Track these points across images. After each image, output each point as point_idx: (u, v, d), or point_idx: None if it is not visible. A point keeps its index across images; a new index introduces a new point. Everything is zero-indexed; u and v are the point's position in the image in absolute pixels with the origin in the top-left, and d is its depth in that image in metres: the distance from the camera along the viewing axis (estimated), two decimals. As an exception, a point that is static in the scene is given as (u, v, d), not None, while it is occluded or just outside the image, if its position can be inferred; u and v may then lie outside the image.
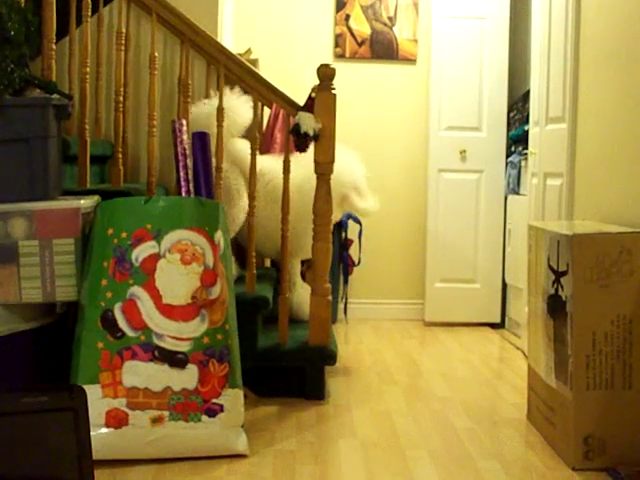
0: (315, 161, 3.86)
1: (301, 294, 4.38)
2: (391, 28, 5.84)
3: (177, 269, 3.05)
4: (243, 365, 3.29)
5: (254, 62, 4.87)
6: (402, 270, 5.93)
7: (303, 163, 4.12)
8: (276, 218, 4.15)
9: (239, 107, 4.13)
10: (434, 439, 3.38)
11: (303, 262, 4.73)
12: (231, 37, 5.41)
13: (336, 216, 4.24)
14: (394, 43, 5.85)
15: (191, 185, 3.57)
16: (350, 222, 5.57)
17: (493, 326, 5.73)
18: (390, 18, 5.84)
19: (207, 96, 4.25)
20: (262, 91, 4.05)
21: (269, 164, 4.34)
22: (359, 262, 5.67)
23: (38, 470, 2.44)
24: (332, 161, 3.83)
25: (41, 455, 2.44)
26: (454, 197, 5.70)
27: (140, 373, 2.99)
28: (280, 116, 4.66)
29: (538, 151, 4.69)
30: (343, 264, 5.60)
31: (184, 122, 3.63)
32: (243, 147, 4.19)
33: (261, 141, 4.54)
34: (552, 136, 4.42)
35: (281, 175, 3.97)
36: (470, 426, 3.56)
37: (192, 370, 3.03)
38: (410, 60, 5.88)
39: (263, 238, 4.33)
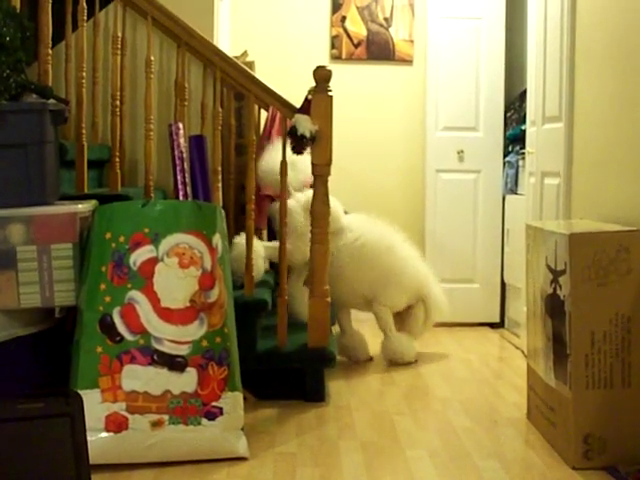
0: (312, 163, 3.86)
1: (395, 340, 4.67)
2: (387, 29, 5.84)
3: (175, 273, 3.05)
4: (242, 368, 3.29)
5: (250, 65, 4.87)
6: (401, 271, 5.91)
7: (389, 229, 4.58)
8: (362, 274, 4.52)
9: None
10: (434, 439, 3.38)
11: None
12: (227, 40, 5.41)
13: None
14: (390, 44, 5.86)
15: (189, 188, 3.57)
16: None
17: (492, 326, 5.72)
18: (386, 19, 5.84)
19: (204, 99, 4.25)
20: (258, 94, 4.05)
21: (358, 222, 4.58)
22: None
23: (35, 476, 2.44)
24: (329, 163, 3.84)
25: (38, 461, 2.44)
26: (452, 197, 5.69)
27: (139, 377, 2.99)
28: (277, 118, 4.66)
29: (535, 150, 4.69)
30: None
31: (180, 126, 3.63)
32: (336, 206, 4.32)
33: (258, 144, 4.54)
34: (549, 135, 4.42)
35: (369, 235, 4.26)
36: (470, 426, 3.56)
37: (191, 373, 3.03)
38: (406, 61, 5.88)
39: (347, 291, 4.60)
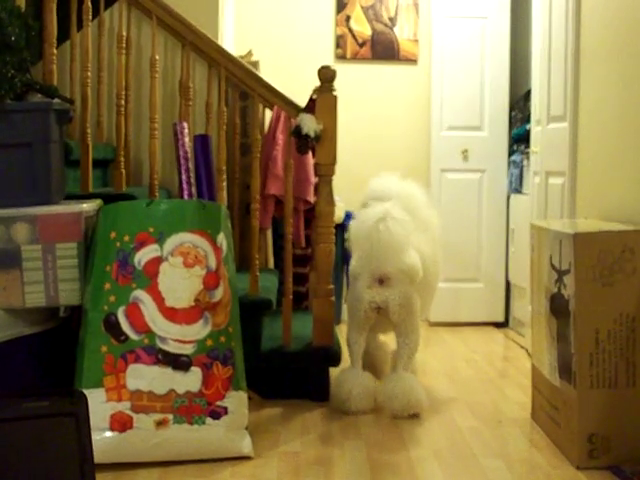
0: (317, 163, 3.87)
1: None
2: (392, 28, 5.84)
3: (180, 272, 3.05)
4: (247, 367, 3.29)
5: (255, 64, 4.87)
6: (405, 270, 5.91)
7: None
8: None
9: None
10: (439, 439, 3.38)
11: (307, 264, 4.75)
12: (232, 39, 5.42)
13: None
14: (395, 43, 5.85)
15: (193, 188, 3.57)
16: (353, 223, 5.57)
17: (497, 325, 5.72)
18: (391, 18, 5.84)
19: (209, 99, 4.25)
20: (263, 93, 4.05)
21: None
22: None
23: (40, 476, 2.44)
24: (334, 163, 3.84)
25: (42, 461, 2.44)
26: (456, 197, 5.69)
27: (144, 376, 2.99)
28: (282, 118, 4.66)
29: (540, 150, 4.69)
30: (346, 265, 5.60)
31: (185, 125, 3.64)
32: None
33: (263, 143, 4.55)
34: (554, 135, 4.42)
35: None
36: (475, 425, 3.56)
37: (196, 373, 3.04)
38: (411, 60, 5.88)
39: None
